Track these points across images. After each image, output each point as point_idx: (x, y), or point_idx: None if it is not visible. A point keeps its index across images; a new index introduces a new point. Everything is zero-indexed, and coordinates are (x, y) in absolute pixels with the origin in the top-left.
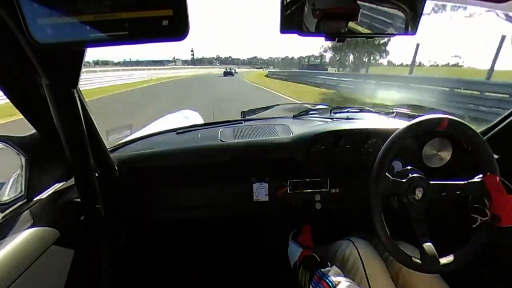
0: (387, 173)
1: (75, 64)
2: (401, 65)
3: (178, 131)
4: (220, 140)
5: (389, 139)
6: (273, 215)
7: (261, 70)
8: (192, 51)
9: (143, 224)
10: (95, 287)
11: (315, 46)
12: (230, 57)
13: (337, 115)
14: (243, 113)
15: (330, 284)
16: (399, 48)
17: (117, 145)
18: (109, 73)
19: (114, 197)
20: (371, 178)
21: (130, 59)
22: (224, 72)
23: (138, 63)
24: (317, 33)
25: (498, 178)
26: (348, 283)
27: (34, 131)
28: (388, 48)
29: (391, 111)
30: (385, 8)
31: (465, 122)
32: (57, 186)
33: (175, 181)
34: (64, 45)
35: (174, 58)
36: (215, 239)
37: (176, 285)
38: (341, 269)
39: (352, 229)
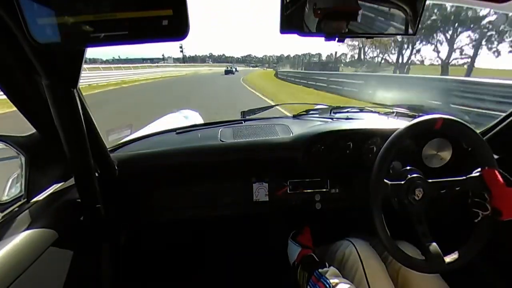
0: (387, 174)
1: (75, 64)
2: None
3: (178, 131)
4: (220, 140)
5: (389, 139)
6: (273, 215)
7: (260, 68)
8: (181, 47)
9: (143, 224)
10: (95, 287)
11: (313, 44)
12: (223, 55)
13: (337, 115)
14: (243, 113)
15: (328, 285)
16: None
17: (117, 145)
18: (99, 72)
19: (114, 197)
20: (371, 178)
21: (119, 56)
22: (225, 71)
23: (127, 61)
24: (317, 33)
25: (496, 171)
26: (346, 285)
27: (34, 131)
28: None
29: (391, 111)
30: (385, 8)
31: (461, 121)
32: (57, 186)
33: (175, 181)
34: (64, 45)
35: (163, 55)
36: (215, 239)
37: (176, 285)
38: (341, 269)
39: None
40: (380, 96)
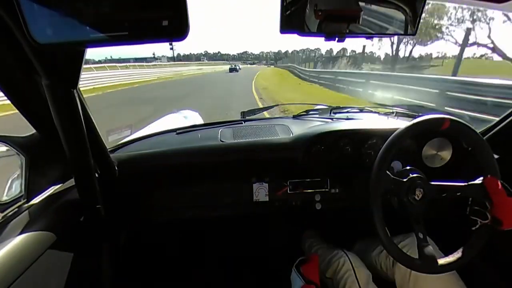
0: (387, 171)
1: (75, 64)
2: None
3: (178, 131)
4: (220, 141)
5: (389, 139)
6: (273, 215)
7: (260, 66)
8: (171, 45)
9: (143, 224)
10: (95, 287)
11: (311, 39)
12: (219, 52)
13: (337, 115)
14: (243, 113)
15: None
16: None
17: (117, 145)
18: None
19: (114, 197)
20: (371, 177)
21: (111, 57)
22: (230, 69)
23: (120, 61)
24: (317, 33)
25: (499, 180)
26: None
27: (34, 131)
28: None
29: (391, 111)
30: (385, 8)
31: (466, 123)
32: (57, 187)
33: (175, 181)
34: (64, 45)
35: (154, 54)
36: (215, 239)
37: (176, 285)
38: (332, 278)
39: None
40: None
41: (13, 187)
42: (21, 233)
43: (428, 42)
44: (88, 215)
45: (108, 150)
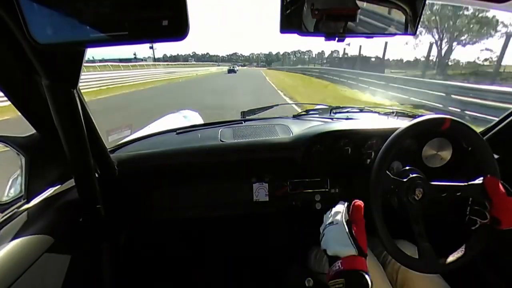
0: (387, 171)
1: (75, 64)
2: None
3: (178, 131)
4: (220, 140)
5: (389, 139)
6: (273, 215)
7: (257, 68)
8: (151, 47)
9: (143, 224)
10: (95, 287)
11: (303, 41)
12: (207, 53)
13: (337, 115)
14: (243, 113)
15: None
16: None
17: (117, 145)
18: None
19: (114, 197)
20: (371, 177)
21: (93, 57)
22: (228, 70)
23: (102, 61)
24: (317, 33)
25: (498, 179)
26: None
27: (34, 131)
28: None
29: (391, 111)
30: (385, 8)
31: (466, 123)
32: (57, 187)
33: (175, 181)
34: (64, 45)
35: (135, 54)
36: (215, 239)
37: (176, 285)
38: None
39: None
40: None
41: (13, 187)
42: (21, 233)
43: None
44: (88, 215)
45: (108, 150)
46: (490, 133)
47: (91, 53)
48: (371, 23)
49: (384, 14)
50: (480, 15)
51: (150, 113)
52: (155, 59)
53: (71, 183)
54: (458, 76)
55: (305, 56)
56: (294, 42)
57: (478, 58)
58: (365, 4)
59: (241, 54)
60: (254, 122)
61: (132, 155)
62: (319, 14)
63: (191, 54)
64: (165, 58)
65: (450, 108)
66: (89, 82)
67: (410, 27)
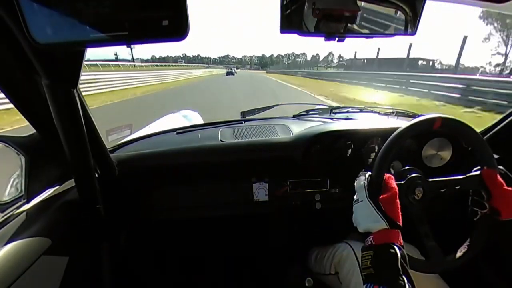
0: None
1: (75, 64)
2: None
3: (178, 131)
4: (220, 140)
5: (389, 139)
6: (273, 215)
7: (258, 71)
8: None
9: (143, 224)
10: (95, 287)
11: (296, 43)
12: (198, 55)
13: (337, 115)
14: (243, 113)
15: None
16: None
17: (117, 145)
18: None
19: (114, 197)
20: (372, 177)
21: None
22: (227, 72)
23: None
24: (317, 33)
25: (496, 171)
26: None
27: (34, 131)
28: None
29: (391, 111)
30: (385, 8)
31: (460, 120)
32: (56, 187)
33: (175, 181)
34: (64, 45)
35: (116, 54)
36: (215, 239)
37: (176, 285)
38: (339, 271)
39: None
40: None
41: (14, 187)
42: (21, 233)
43: None
44: (88, 215)
45: (108, 150)
46: (490, 133)
47: None
48: (371, 23)
49: (384, 14)
50: None
51: None
52: (133, 59)
53: (71, 183)
54: None
55: (299, 59)
56: (288, 45)
57: None
58: (365, 4)
59: (233, 57)
60: (254, 122)
61: (132, 155)
62: (319, 14)
63: (181, 56)
64: (153, 59)
65: None
66: None
67: (410, 27)
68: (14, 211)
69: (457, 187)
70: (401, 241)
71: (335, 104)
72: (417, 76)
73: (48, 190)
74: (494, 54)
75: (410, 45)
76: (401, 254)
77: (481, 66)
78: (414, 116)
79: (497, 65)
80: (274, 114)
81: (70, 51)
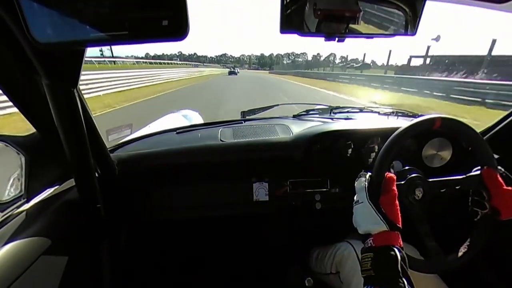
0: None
1: (75, 64)
2: None
3: (178, 131)
4: (220, 140)
5: (389, 139)
6: (273, 215)
7: (260, 71)
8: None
9: (143, 224)
10: (95, 287)
11: (295, 43)
12: (195, 54)
13: (337, 115)
14: (243, 113)
15: None
16: None
17: (117, 145)
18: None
19: (114, 197)
20: (372, 177)
21: None
22: (229, 72)
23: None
24: (317, 33)
25: (495, 170)
26: None
27: (34, 131)
28: None
29: (391, 111)
30: (385, 9)
31: (459, 120)
32: (57, 186)
33: (175, 181)
34: (64, 45)
35: (101, 51)
36: (214, 239)
37: (176, 285)
38: (340, 271)
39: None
40: None
41: (13, 187)
42: (21, 232)
43: None
44: (88, 215)
45: (108, 150)
46: (490, 133)
47: None
48: (372, 24)
49: (384, 15)
50: None
51: None
52: (113, 56)
53: (71, 183)
54: None
55: (300, 59)
56: (287, 44)
57: None
58: (365, 4)
59: (231, 55)
60: (254, 122)
61: (132, 155)
62: (320, 14)
63: (177, 54)
64: (147, 57)
65: None
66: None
67: (410, 27)
68: (14, 210)
69: (457, 187)
70: (401, 243)
71: None
72: None
73: (48, 189)
74: None
75: (494, 41)
76: (401, 256)
77: None
78: (414, 116)
79: None
80: (274, 114)
81: (70, 51)
